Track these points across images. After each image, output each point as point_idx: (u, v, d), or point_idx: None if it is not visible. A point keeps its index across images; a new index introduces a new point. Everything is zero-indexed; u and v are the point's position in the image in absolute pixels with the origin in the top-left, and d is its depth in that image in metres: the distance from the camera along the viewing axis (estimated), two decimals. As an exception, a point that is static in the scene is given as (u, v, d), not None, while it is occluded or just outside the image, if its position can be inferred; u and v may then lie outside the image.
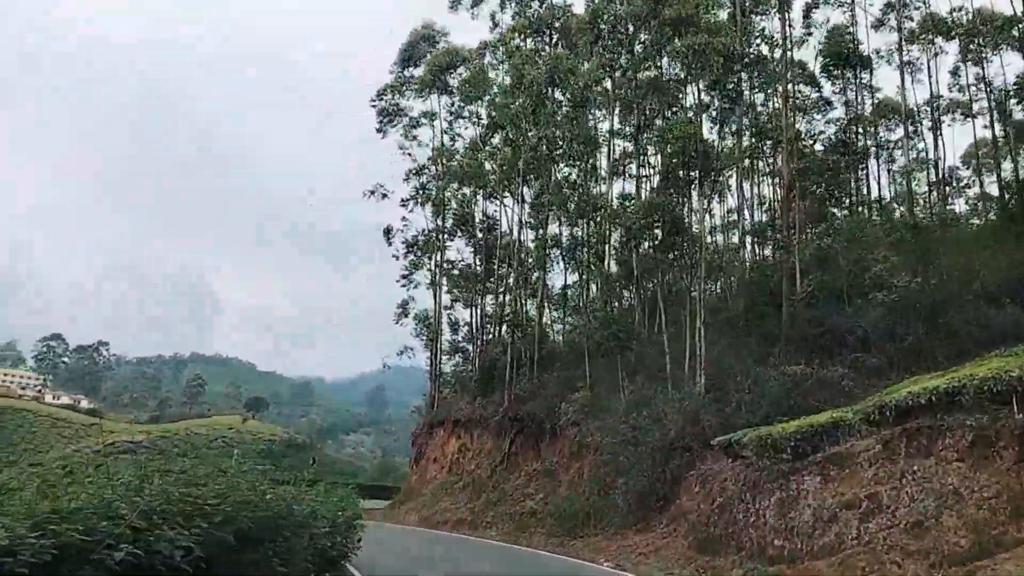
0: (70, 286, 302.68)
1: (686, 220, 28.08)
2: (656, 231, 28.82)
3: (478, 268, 45.64)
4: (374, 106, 46.57)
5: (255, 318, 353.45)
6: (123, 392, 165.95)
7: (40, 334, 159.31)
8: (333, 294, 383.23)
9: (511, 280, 40.89)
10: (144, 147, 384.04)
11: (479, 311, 44.94)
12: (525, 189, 39.81)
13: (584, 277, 37.46)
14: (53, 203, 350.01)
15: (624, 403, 26.80)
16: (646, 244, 30.22)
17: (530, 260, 41.14)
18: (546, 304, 40.17)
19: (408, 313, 46.49)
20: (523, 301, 40.94)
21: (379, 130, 46.42)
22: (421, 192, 46.47)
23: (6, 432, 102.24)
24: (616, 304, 31.88)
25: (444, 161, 45.96)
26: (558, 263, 38.72)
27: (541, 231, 36.74)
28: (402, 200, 46.45)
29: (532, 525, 27.47)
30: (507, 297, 41.05)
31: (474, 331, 45.23)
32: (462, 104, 45.53)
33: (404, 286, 46.33)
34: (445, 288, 46.58)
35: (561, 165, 37.86)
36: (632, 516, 23.37)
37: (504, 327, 39.39)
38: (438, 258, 46.18)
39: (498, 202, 45.13)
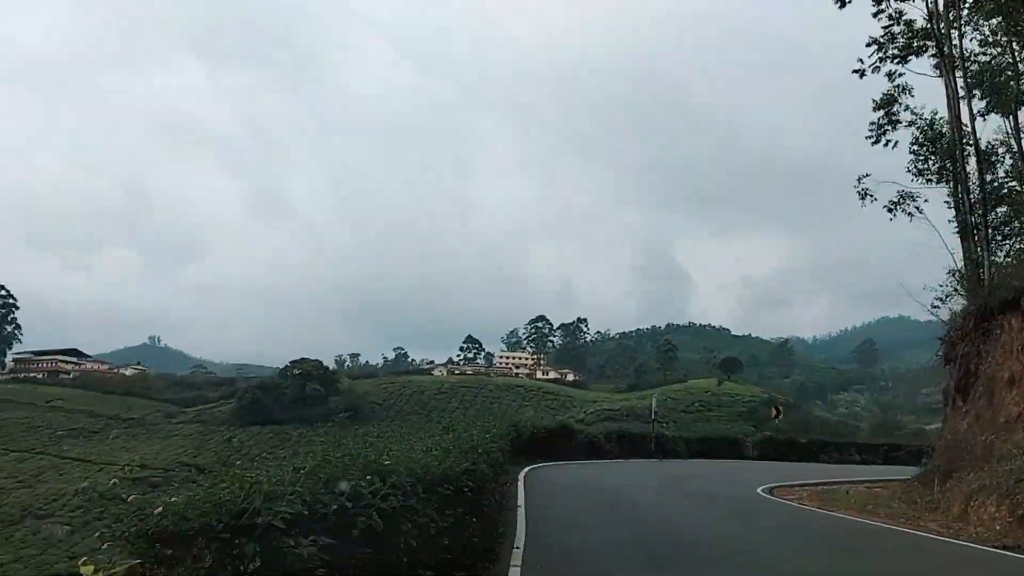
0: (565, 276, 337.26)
1: None
2: None
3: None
4: None
5: (728, 284, 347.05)
6: (605, 365, 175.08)
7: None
8: (805, 253, 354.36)
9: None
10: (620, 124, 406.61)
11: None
12: None
13: None
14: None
15: None
16: None
17: None
18: None
19: (895, 122, 27.17)
20: None
21: None
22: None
23: (503, 404, 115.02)
24: None
25: None
26: None
27: None
28: None
29: None
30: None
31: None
32: None
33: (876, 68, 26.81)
34: (962, 82, 25.29)
35: None
36: None
37: None
38: (949, 34, 24.82)
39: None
